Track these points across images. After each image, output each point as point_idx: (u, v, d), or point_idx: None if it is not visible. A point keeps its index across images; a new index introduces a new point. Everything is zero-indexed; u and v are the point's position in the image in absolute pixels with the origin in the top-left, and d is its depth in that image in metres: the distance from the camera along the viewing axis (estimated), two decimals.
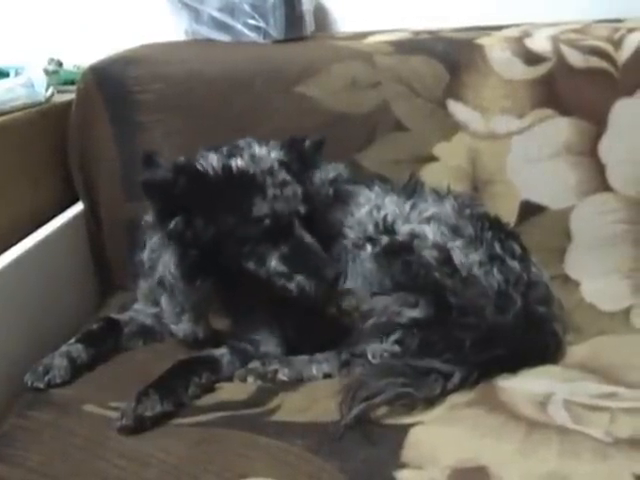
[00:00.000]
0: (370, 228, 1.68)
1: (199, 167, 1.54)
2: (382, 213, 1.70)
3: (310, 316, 1.62)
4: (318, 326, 1.64)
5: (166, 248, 1.60)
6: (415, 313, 1.59)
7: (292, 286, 1.54)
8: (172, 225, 1.53)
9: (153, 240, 1.65)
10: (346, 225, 1.69)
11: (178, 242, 1.55)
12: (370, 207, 1.72)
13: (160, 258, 1.63)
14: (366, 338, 1.59)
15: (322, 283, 1.54)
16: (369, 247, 1.65)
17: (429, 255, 1.62)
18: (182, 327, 1.70)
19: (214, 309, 1.67)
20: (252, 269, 1.55)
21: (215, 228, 1.52)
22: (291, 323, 1.65)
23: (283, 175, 1.55)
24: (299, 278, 1.53)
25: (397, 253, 1.63)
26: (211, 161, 1.55)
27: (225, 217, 1.52)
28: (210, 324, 1.68)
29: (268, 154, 1.57)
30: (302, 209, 1.57)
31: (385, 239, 1.66)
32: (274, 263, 1.54)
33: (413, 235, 1.65)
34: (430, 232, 1.65)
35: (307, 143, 1.65)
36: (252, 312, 1.65)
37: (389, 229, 1.67)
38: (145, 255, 1.68)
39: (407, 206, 1.71)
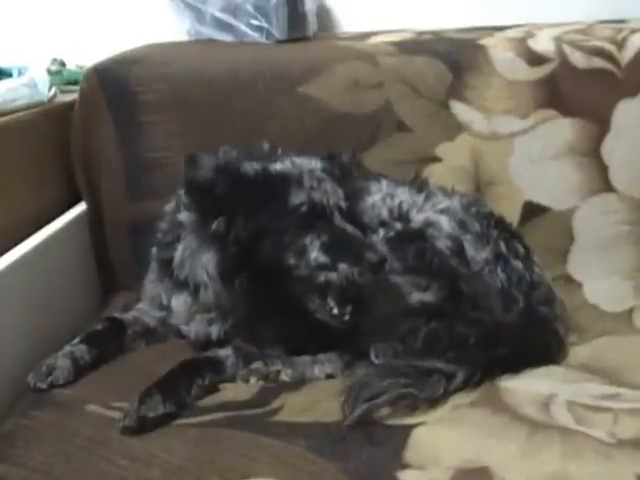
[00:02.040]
0: (384, 213, 1.70)
1: (240, 169, 1.55)
2: (396, 201, 1.72)
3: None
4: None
5: (205, 248, 1.58)
6: (425, 296, 1.60)
7: (335, 277, 1.52)
8: (215, 226, 1.53)
9: (190, 240, 1.62)
10: (357, 211, 1.70)
11: (220, 242, 1.55)
12: (383, 195, 1.74)
13: (195, 258, 1.61)
14: (374, 327, 1.59)
15: (366, 268, 1.51)
16: (382, 231, 1.67)
17: (443, 245, 1.64)
18: (194, 327, 1.70)
19: (236, 318, 1.65)
20: (292, 264, 1.54)
21: (255, 224, 1.52)
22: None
23: (322, 175, 1.58)
24: (342, 266, 1.51)
25: (411, 240, 1.65)
26: (252, 165, 1.56)
27: (264, 212, 1.53)
28: (224, 324, 1.66)
29: (309, 161, 1.60)
30: (344, 205, 1.59)
31: (399, 225, 1.68)
32: (315, 254, 1.53)
33: (428, 224, 1.68)
34: (445, 223, 1.67)
35: (344, 157, 1.69)
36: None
37: (404, 216, 1.69)
38: (177, 253, 1.64)
39: (420, 197, 1.73)
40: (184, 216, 1.63)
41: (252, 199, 1.53)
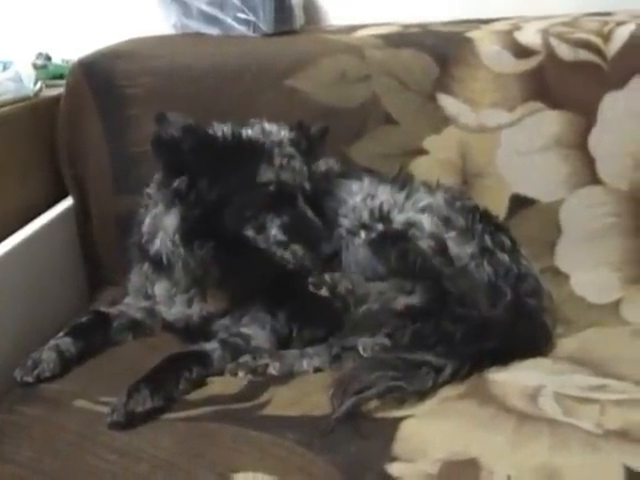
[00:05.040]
0: (365, 215, 1.70)
1: (209, 130, 1.60)
2: (377, 201, 1.72)
3: (304, 304, 1.64)
4: (311, 315, 1.66)
5: (168, 212, 1.62)
6: (410, 300, 1.60)
7: (288, 254, 1.57)
8: (177, 184, 1.57)
9: (156, 209, 1.67)
10: (340, 214, 1.71)
11: (181, 202, 1.58)
12: (364, 195, 1.74)
13: (160, 226, 1.64)
14: (359, 324, 1.60)
15: (318, 256, 1.57)
16: (363, 234, 1.67)
17: (425, 245, 1.64)
18: (174, 311, 1.71)
19: (211, 284, 1.67)
20: (251, 236, 1.57)
21: (219, 190, 1.55)
22: (284, 312, 1.67)
23: (291, 150, 1.61)
24: (296, 247, 1.56)
25: (393, 241, 1.65)
26: (222, 128, 1.61)
27: (230, 179, 1.56)
28: (204, 305, 1.68)
29: (278, 131, 1.63)
30: (307, 186, 1.62)
31: (380, 227, 1.68)
32: (274, 231, 1.57)
33: (409, 224, 1.67)
34: (426, 222, 1.67)
35: (313, 129, 1.71)
36: (247, 297, 1.67)
37: (385, 217, 1.69)
38: (145, 226, 1.69)
39: (401, 196, 1.73)
40: (151, 189, 1.68)
41: (220, 162, 1.56)
